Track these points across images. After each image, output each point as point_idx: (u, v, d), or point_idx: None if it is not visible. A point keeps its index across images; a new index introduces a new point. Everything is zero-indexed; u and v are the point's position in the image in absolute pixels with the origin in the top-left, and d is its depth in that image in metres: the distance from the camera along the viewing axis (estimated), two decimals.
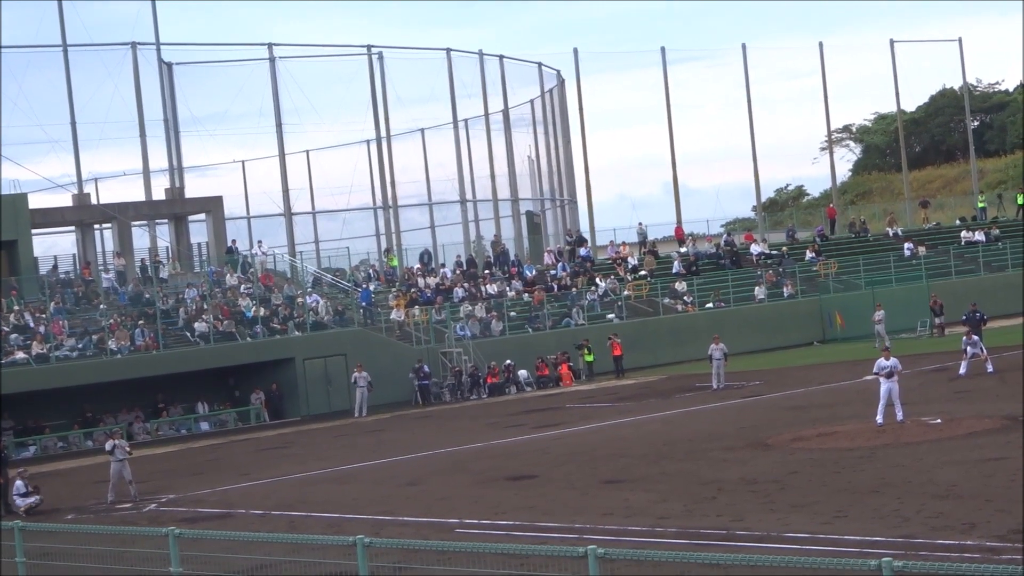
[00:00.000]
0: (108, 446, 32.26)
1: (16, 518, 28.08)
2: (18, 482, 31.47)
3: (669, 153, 76.26)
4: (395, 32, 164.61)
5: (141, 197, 60.06)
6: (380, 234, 67.93)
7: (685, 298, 62.31)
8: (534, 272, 64.02)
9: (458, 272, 62.72)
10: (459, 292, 59.64)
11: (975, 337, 41.75)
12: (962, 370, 40.63)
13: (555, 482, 27.85)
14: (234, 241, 59.64)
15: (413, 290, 59.64)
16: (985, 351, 41.21)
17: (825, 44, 79.24)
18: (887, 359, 31.55)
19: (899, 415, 30.93)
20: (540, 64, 73.94)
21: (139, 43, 59.72)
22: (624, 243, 69.99)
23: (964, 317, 48.40)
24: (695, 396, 43.89)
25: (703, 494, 24.29)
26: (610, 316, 59.92)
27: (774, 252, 69.53)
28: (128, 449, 32.62)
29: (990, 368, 40.37)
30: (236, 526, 25.50)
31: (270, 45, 63.16)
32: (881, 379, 31.27)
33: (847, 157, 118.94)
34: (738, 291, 63.51)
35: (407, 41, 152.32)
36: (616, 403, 44.51)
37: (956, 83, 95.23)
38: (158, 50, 60.59)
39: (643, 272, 65.44)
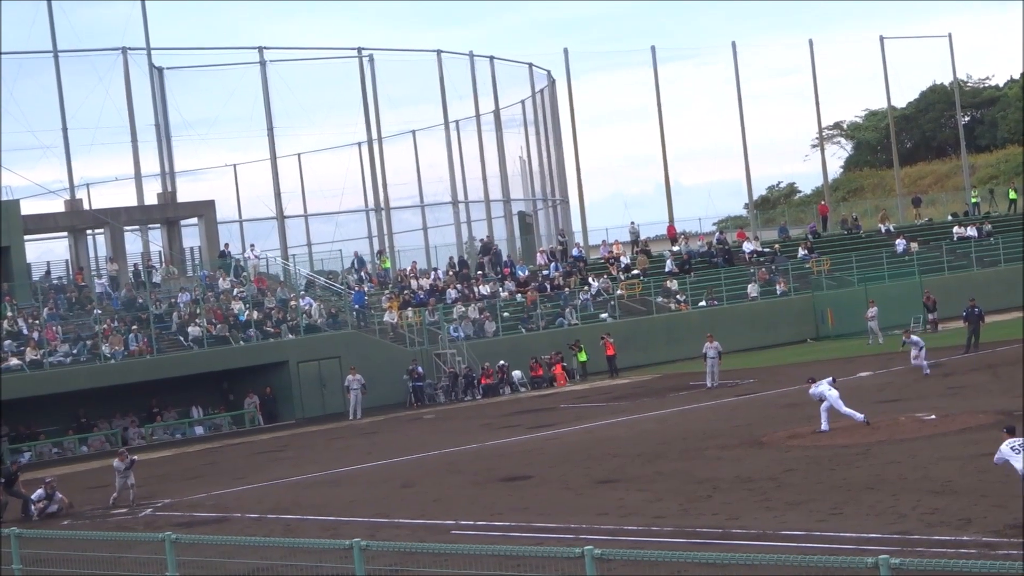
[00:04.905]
0: (118, 466, 31.82)
1: (34, 524, 28.25)
2: (39, 491, 31.40)
3: (660, 152, 76.49)
4: (385, 34, 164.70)
5: (133, 202, 59.99)
6: (372, 236, 67.91)
7: (678, 297, 62.34)
8: (527, 272, 64.03)
9: (451, 273, 62.71)
10: (452, 293, 59.64)
11: (914, 337, 42.37)
12: (926, 370, 40.91)
13: (550, 482, 27.85)
14: (227, 245, 59.59)
15: (406, 292, 59.63)
16: (923, 350, 41.42)
17: (815, 41, 79.32)
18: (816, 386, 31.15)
19: (858, 416, 30.59)
20: (531, 64, 74.01)
21: (130, 48, 59.62)
22: (616, 242, 69.98)
23: (964, 313, 48.57)
24: (689, 395, 43.90)
25: (698, 493, 24.30)
26: (603, 315, 59.92)
27: (766, 250, 69.58)
28: (134, 459, 32.33)
29: (927, 370, 40.82)
30: (232, 530, 25.51)
31: (260, 48, 63.08)
32: (825, 397, 30.93)
33: (838, 154, 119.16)
34: (731, 289, 63.53)
35: (397, 43, 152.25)
36: (610, 403, 44.51)
37: (946, 79, 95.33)
38: (149, 55, 60.51)
39: (636, 271, 65.44)
